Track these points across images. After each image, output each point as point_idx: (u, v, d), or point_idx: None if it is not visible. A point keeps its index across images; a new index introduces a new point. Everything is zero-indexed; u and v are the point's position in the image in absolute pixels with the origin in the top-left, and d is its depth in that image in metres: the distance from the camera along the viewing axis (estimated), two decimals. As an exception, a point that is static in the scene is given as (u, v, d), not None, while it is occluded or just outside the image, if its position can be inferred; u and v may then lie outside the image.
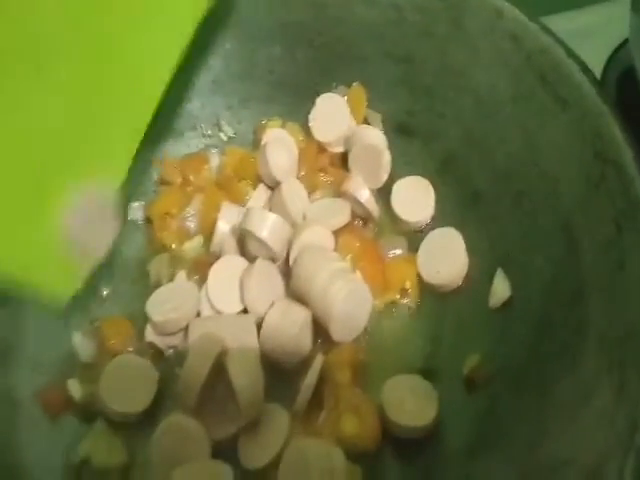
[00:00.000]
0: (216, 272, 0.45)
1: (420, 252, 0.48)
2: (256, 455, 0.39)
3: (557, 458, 0.35)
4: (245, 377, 0.40)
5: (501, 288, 0.45)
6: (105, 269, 0.48)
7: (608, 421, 0.33)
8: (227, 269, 0.46)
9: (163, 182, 0.53)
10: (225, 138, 0.56)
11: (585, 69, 0.42)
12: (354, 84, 0.53)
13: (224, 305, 0.45)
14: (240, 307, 0.45)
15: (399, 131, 0.53)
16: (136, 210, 0.52)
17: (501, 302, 0.44)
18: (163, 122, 0.55)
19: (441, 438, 0.41)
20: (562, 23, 0.51)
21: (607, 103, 0.40)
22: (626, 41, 0.57)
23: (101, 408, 0.42)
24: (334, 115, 0.52)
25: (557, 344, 0.39)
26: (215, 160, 0.54)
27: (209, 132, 0.56)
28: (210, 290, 0.45)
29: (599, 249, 0.38)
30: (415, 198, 0.50)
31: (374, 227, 0.50)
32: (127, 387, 0.42)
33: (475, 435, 0.40)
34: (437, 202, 0.50)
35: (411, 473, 0.41)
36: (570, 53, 0.43)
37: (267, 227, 0.44)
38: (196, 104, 0.56)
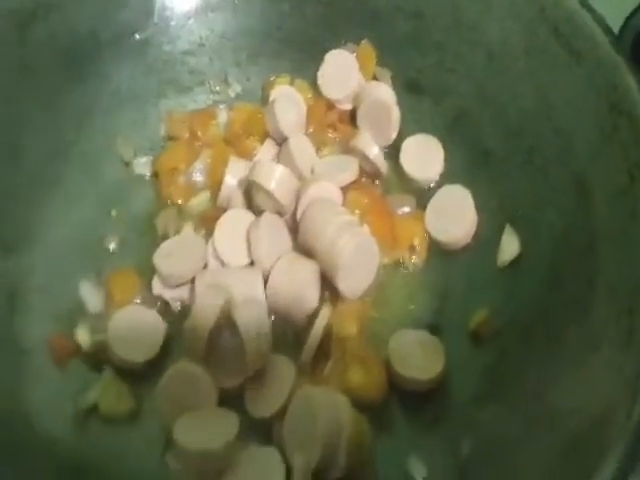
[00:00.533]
0: (222, 225, 0.45)
1: (428, 210, 0.48)
2: (263, 405, 0.39)
3: (563, 406, 0.34)
4: (252, 328, 0.39)
5: (510, 246, 0.44)
6: (112, 222, 0.49)
7: (616, 367, 0.33)
8: (234, 222, 0.45)
9: (171, 137, 0.52)
10: (233, 94, 0.55)
11: (599, 19, 0.41)
12: (363, 41, 0.53)
13: (230, 258, 0.44)
14: (247, 260, 0.44)
15: (409, 88, 0.52)
16: (143, 165, 0.51)
17: (510, 259, 0.44)
18: (169, 77, 0.54)
19: (448, 390, 0.41)
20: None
21: (621, 54, 0.39)
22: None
23: (109, 356, 0.42)
24: (343, 72, 0.52)
25: (567, 296, 0.39)
26: (223, 116, 0.53)
27: (217, 88, 0.55)
28: (217, 242, 0.44)
29: (612, 199, 0.38)
30: (424, 155, 0.49)
31: (382, 185, 0.50)
32: (135, 336, 0.42)
33: (483, 387, 0.40)
34: (446, 161, 0.49)
35: (418, 422, 0.41)
36: (584, 3, 0.42)
37: (275, 179, 0.44)
38: (204, 60, 0.55)
